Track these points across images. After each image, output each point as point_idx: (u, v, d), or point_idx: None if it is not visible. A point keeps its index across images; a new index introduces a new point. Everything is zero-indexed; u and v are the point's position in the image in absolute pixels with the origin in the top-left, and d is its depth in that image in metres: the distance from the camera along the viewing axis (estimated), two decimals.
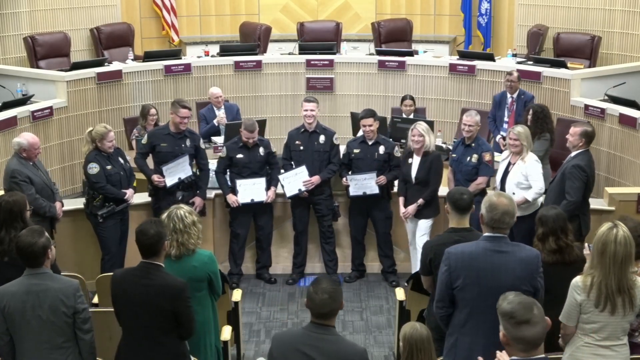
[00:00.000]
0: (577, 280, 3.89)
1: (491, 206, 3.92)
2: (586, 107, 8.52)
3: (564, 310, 3.94)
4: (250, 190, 6.87)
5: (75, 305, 3.98)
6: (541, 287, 3.95)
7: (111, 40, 11.11)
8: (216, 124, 8.65)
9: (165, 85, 9.67)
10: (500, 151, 7.68)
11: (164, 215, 4.52)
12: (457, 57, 10.26)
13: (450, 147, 7.95)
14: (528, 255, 3.95)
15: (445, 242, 4.35)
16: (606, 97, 8.59)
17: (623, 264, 3.77)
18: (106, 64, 9.60)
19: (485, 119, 8.22)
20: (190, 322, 4.10)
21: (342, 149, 7.12)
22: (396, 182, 6.98)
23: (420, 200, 6.60)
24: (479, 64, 9.68)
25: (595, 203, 6.69)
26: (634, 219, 4.59)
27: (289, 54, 10.44)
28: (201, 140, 7.09)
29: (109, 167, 6.44)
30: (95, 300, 5.36)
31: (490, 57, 9.92)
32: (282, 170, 7.04)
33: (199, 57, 10.21)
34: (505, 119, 8.38)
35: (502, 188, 6.37)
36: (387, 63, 10.03)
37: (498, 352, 3.19)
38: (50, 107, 8.67)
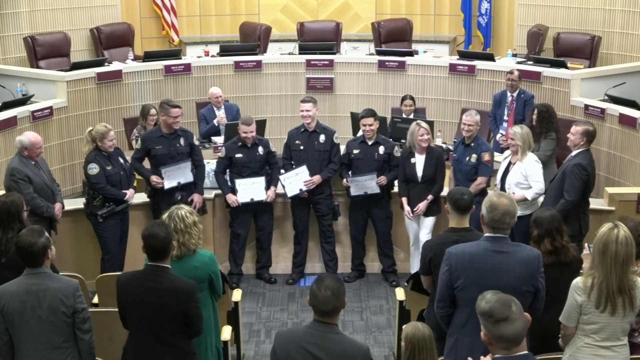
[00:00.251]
0: (578, 281, 3.89)
1: (492, 206, 3.92)
2: (586, 107, 8.52)
3: (564, 310, 3.94)
4: (250, 189, 6.87)
5: (75, 304, 3.97)
6: (542, 287, 3.95)
7: (111, 40, 11.11)
8: (216, 124, 8.65)
9: (165, 85, 9.67)
10: (501, 150, 7.69)
11: (165, 216, 4.52)
12: (457, 57, 10.26)
13: (451, 147, 7.96)
14: (529, 255, 3.94)
15: (445, 241, 4.36)
16: (606, 97, 8.59)
17: (624, 264, 3.77)
18: (106, 64, 9.59)
19: (485, 119, 8.22)
20: (199, 322, 4.12)
21: (342, 149, 7.12)
22: (396, 182, 6.98)
23: (430, 197, 6.61)
24: (479, 64, 9.68)
25: (595, 203, 6.69)
26: (634, 218, 4.59)
27: (289, 54, 10.44)
28: (194, 137, 7.08)
29: (109, 167, 6.44)
30: (95, 300, 5.36)
31: (490, 57, 9.92)
32: (283, 171, 7.04)
33: (199, 57, 10.21)
34: (505, 117, 8.39)
35: (502, 187, 6.37)
36: (387, 63, 10.03)
37: (482, 357, 3.19)
38: (50, 107, 8.67)
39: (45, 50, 10.31)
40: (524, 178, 6.29)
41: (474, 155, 6.64)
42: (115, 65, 9.58)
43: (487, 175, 6.66)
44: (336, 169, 7.02)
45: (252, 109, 9.73)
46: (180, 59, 9.99)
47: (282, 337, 3.58)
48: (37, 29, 10.50)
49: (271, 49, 11.36)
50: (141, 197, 6.99)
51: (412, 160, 6.70)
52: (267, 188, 6.93)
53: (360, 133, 7.14)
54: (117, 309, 4.20)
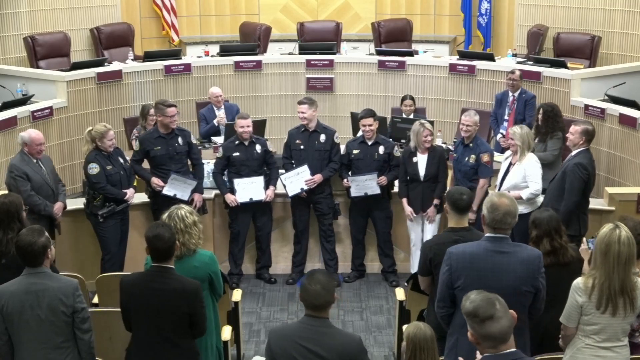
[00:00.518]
0: (579, 281, 3.89)
1: (493, 207, 3.92)
2: (586, 107, 8.52)
3: (565, 311, 3.94)
4: (249, 189, 6.86)
5: (75, 304, 3.97)
6: (543, 287, 3.95)
7: (111, 40, 11.11)
8: (216, 124, 8.65)
9: (165, 85, 9.67)
10: (501, 150, 7.70)
11: (165, 216, 4.52)
12: (457, 57, 10.26)
13: (451, 147, 7.97)
14: (529, 255, 3.94)
15: (445, 241, 4.36)
16: (606, 97, 8.59)
17: (627, 265, 3.77)
18: (106, 64, 9.59)
19: (485, 119, 8.22)
20: (204, 322, 4.14)
21: (342, 149, 7.12)
22: (397, 182, 6.98)
23: (436, 201, 6.62)
24: (479, 64, 9.68)
25: (595, 203, 6.70)
26: (634, 218, 4.59)
27: (289, 54, 10.44)
28: (192, 136, 7.08)
29: (109, 167, 6.44)
30: (95, 300, 5.36)
31: (490, 57, 9.92)
32: (283, 170, 7.04)
33: (199, 57, 10.21)
34: (506, 117, 8.39)
35: (501, 188, 6.38)
36: (387, 63, 10.03)
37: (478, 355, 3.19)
38: (50, 107, 8.66)
39: (45, 50, 10.30)
40: (522, 179, 6.29)
41: (473, 156, 6.64)
42: (115, 65, 9.58)
43: (488, 176, 6.66)
44: (337, 168, 7.02)
45: (252, 109, 9.72)
46: (180, 59, 9.99)
47: (276, 334, 3.62)
48: (37, 29, 10.50)
49: (271, 49, 11.36)
50: (141, 197, 6.98)
51: (414, 159, 6.70)
52: (266, 188, 6.93)
53: (360, 133, 7.14)
54: (117, 309, 4.20)
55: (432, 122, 7.39)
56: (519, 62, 9.69)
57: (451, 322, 4.03)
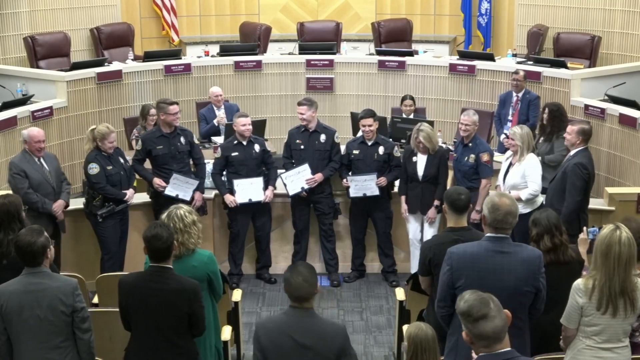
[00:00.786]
0: (579, 283, 3.88)
1: (493, 207, 3.92)
2: (586, 107, 8.52)
3: (565, 312, 3.94)
4: (248, 189, 6.86)
5: (74, 304, 3.97)
6: (543, 287, 3.95)
7: (111, 40, 11.11)
8: (216, 124, 8.65)
9: (165, 85, 9.67)
10: (504, 150, 7.69)
11: (164, 215, 4.52)
12: (457, 57, 10.26)
13: (450, 147, 7.96)
14: (530, 255, 3.94)
15: (444, 241, 4.37)
16: (606, 97, 8.59)
17: (627, 265, 3.77)
18: (106, 64, 9.60)
19: (484, 119, 8.23)
20: (203, 322, 4.14)
21: (342, 149, 7.12)
22: (396, 182, 6.98)
23: (437, 202, 6.61)
24: (479, 64, 9.68)
25: (595, 203, 6.70)
26: (637, 219, 4.58)
27: (289, 54, 10.44)
28: (194, 136, 7.10)
29: (109, 167, 6.45)
30: (95, 300, 5.36)
31: (490, 57, 9.92)
32: (283, 170, 7.04)
33: (199, 57, 10.21)
34: (509, 117, 8.38)
35: (503, 188, 6.38)
36: (387, 63, 10.03)
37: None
38: (50, 107, 8.66)
39: (45, 50, 10.30)
40: (522, 179, 6.29)
41: (472, 156, 6.65)
42: (115, 65, 9.58)
43: (489, 175, 6.66)
44: (337, 167, 7.03)
45: (252, 109, 9.73)
46: (180, 59, 9.99)
47: (264, 327, 3.68)
48: (37, 29, 10.50)
49: (271, 49, 11.36)
50: (142, 197, 6.99)
51: (414, 159, 6.70)
52: (265, 188, 6.93)
53: (360, 133, 7.14)
54: (117, 309, 4.19)
55: (432, 122, 7.41)
56: (519, 62, 9.69)
57: (451, 322, 4.03)
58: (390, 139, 7.29)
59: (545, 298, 3.99)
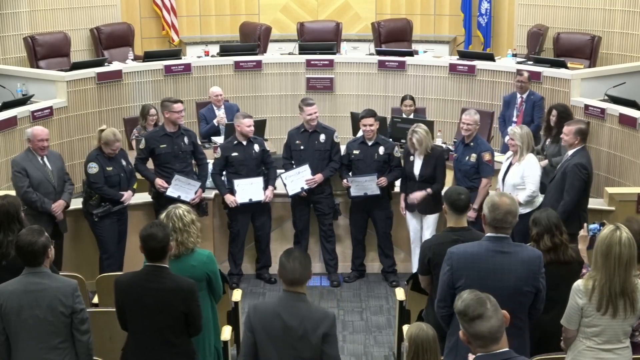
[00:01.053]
0: (579, 283, 3.88)
1: (493, 206, 3.92)
2: (586, 107, 8.52)
3: (565, 313, 3.94)
4: (248, 189, 6.86)
5: (74, 305, 3.96)
6: (543, 287, 3.95)
7: (111, 40, 11.11)
8: (216, 124, 8.65)
9: (165, 85, 9.67)
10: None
11: (163, 215, 4.52)
12: (457, 57, 10.26)
13: (451, 147, 7.97)
14: (530, 255, 3.94)
15: (444, 241, 4.37)
16: (606, 97, 8.59)
17: (627, 266, 3.76)
18: (106, 64, 9.60)
19: (485, 119, 8.24)
20: (200, 321, 4.14)
21: (342, 149, 7.12)
22: (397, 182, 6.99)
23: (429, 190, 6.60)
24: (479, 64, 9.68)
25: (595, 203, 6.70)
26: (639, 220, 4.57)
27: (289, 54, 10.44)
28: (197, 137, 7.11)
29: (109, 168, 6.45)
30: (95, 300, 5.36)
31: (490, 57, 9.92)
32: (283, 170, 7.04)
33: (199, 57, 10.21)
34: (514, 118, 8.37)
35: (502, 188, 6.38)
36: (387, 63, 10.03)
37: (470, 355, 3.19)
38: (50, 107, 8.67)
39: (45, 50, 10.31)
40: (521, 179, 6.29)
41: (474, 155, 6.65)
42: (115, 65, 9.58)
43: (490, 175, 6.66)
44: (337, 167, 7.03)
45: (252, 109, 9.73)
46: (180, 59, 10.00)
47: (256, 309, 3.81)
48: (37, 29, 10.50)
49: (271, 49, 11.36)
50: (142, 197, 6.99)
51: (411, 158, 6.72)
52: (265, 188, 6.93)
53: (360, 133, 7.14)
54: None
55: (432, 122, 7.41)
56: (519, 62, 9.69)
57: (451, 322, 4.03)
58: (390, 139, 7.29)
59: (545, 298, 3.99)
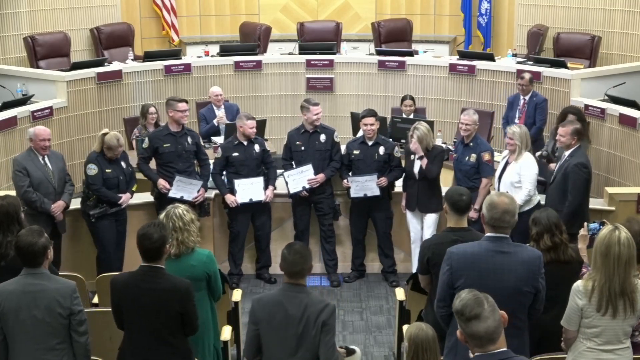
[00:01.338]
0: (579, 284, 3.88)
1: (491, 205, 3.93)
2: (586, 107, 8.51)
3: (565, 314, 3.93)
4: (249, 189, 6.87)
5: (72, 306, 3.97)
6: (542, 288, 3.94)
7: (111, 40, 11.11)
8: (216, 124, 8.65)
9: (165, 85, 9.67)
10: None
11: (162, 215, 4.53)
12: (457, 57, 10.26)
13: (451, 147, 7.97)
14: (530, 256, 3.94)
15: (443, 241, 4.37)
16: (606, 97, 8.59)
17: (627, 266, 3.76)
18: (106, 64, 9.60)
19: (484, 119, 8.24)
20: (196, 321, 4.14)
21: (342, 149, 7.12)
22: (397, 182, 6.99)
23: (425, 160, 6.57)
24: (479, 64, 9.68)
25: (595, 203, 6.70)
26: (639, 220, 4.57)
27: (289, 54, 10.44)
28: (200, 138, 7.16)
29: (108, 170, 6.45)
30: (96, 300, 5.36)
31: (490, 57, 9.92)
32: (282, 170, 7.05)
33: (199, 57, 10.21)
34: (516, 120, 8.35)
35: (499, 187, 6.39)
36: (387, 63, 10.03)
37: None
38: (50, 107, 8.67)
39: (45, 50, 10.31)
40: (518, 177, 6.30)
41: (473, 155, 6.65)
42: (115, 65, 9.58)
43: (490, 175, 6.66)
44: (338, 167, 7.03)
45: (252, 109, 9.72)
46: (180, 59, 10.00)
47: (259, 301, 4.01)
48: (37, 29, 10.50)
49: (271, 49, 11.36)
50: (143, 198, 6.99)
51: (412, 157, 6.73)
52: (265, 188, 6.93)
53: (360, 133, 7.14)
54: None
55: (432, 122, 7.41)
56: (519, 62, 9.69)
57: (451, 322, 4.03)
58: (390, 139, 7.29)
59: (544, 298, 3.99)
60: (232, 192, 6.86)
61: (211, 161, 7.12)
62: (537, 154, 7.35)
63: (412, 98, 8.75)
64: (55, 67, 9.85)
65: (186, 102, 6.97)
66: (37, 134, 6.28)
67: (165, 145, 6.82)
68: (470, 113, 6.77)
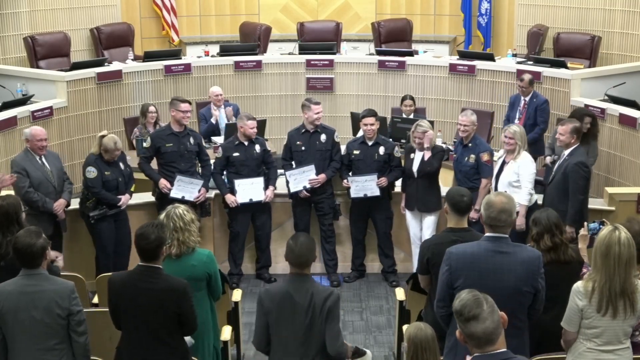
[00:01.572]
0: (579, 285, 3.88)
1: (488, 204, 3.93)
2: (586, 107, 8.50)
3: (565, 315, 3.93)
4: (249, 189, 6.87)
5: (70, 307, 3.97)
6: (542, 288, 3.94)
7: (111, 40, 11.11)
8: (214, 122, 8.65)
9: (165, 85, 9.67)
10: None
11: (162, 216, 4.53)
12: (457, 57, 10.26)
13: (451, 147, 7.97)
14: (529, 256, 3.94)
15: (443, 241, 4.37)
16: (606, 97, 8.60)
17: (627, 266, 3.76)
18: (106, 64, 9.60)
19: (483, 119, 8.24)
20: (194, 320, 4.13)
21: (342, 149, 7.12)
22: (397, 182, 6.99)
23: (429, 153, 6.59)
24: (479, 64, 9.68)
25: (595, 203, 6.70)
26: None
27: (289, 54, 10.44)
28: (202, 139, 7.18)
29: (107, 172, 6.45)
30: (96, 300, 5.36)
31: (490, 57, 9.92)
32: (281, 170, 7.05)
33: (199, 57, 10.21)
34: (516, 120, 8.35)
35: (496, 187, 6.39)
36: (387, 63, 10.04)
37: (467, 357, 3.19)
38: (50, 107, 8.67)
39: (45, 50, 10.31)
40: (517, 176, 6.30)
41: (472, 156, 6.66)
42: (115, 65, 9.58)
43: (489, 175, 6.66)
44: (338, 167, 7.03)
45: (252, 109, 9.72)
46: (180, 59, 10.00)
47: (267, 292, 4.14)
48: (37, 29, 10.50)
49: (271, 49, 11.36)
50: (144, 198, 6.99)
51: (412, 155, 6.74)
52: (266, 188, 6.93)
53: (360, 133, 7.14)
54: None
55: (432, 122, 7.40)
56: (519, 62, 9.69)
57: (450, 321, 4.03)
58: (390, 139, 7.29)
59: (544, 299, 3.98)
60: (232, 192, 6.87)
61: (212, 161, 7.13)
62: (548, 159, 7.34)
63: (412, 98, 8.75)
64: (55, 67, 9.86)
65: (189, 103, 6.98)
66: (35, 135, 6.28)
67: (167, 145, 6.83)
68: (468, 114, 6.77)
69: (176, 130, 6.87)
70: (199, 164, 7.06)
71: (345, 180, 6.98)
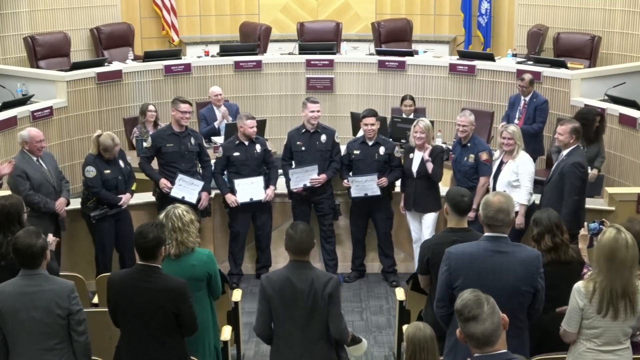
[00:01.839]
0: (579, 285, 3.88)
1: (486, 204, 3.94)
2: (586, 107, 8.51)
3: (566, 316, 3.93)
4: (249, 189, 6.87)
5: (70, 307, 3.96)
6: (541, 288, 3.94)
7: (111, 40, 11.11)
8: (216, 126, 8.65)
9: (165, 85, 9.67)
10: None
11: (162, 215, 4.53)
12: (457, 57, 10.26)
13: (450, 147, 7.96)
14: (529, 255, 3.94)
15: (443, 241, 4.37)
16: (606, 97, 8.59)
17: (631, 268, 3.76)
18: (106, 64, 9.60)
19: (481, 119, 8.24)
20: (193, 320, 4.13)
21: (342, 149, 7.12)
22: (397, 182, 6.99)
23: (431, 165, 6.58)
24: (479, 64, 9.68)
25: (595, 203, 6.70)
26: None
27: (289, 54, 10.44)
28: (203, 139, 7.18)
29: (107, 171, 6.44)
30: (96, 300, 5.36)
31: (490, 57, 9.92)
32: (280, 171, 7.05)
33: (199, 57, 10.21)
34: (516, 120, 8.35)
35: (494, 187, 6.39)
36: (387, 63, 10.04)
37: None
38: (50, 107, 8.67)
39: (45, 50, 10.31)
40: (516, 176, 6.30)
41: (471, 156, 6.66)
42: (115, 65, 9.58)
43: (488, 174, 6.66)
44: (338, 167, 7.03)
45: (252, 109, 9.72)
46: (180, 59, 10.00)
47: (268, 279, 4.21)
48: (37, 29, 10.50)
49: (271, 49, 11.36)
50: (144, 197, 6.99)
51: (411, 155, 6.74)
52: (266, 187, 6.93)
53: (360, 133, 7.14)
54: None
55: (432, 122, 7.41)
56: (519, 62, 9.69)
57: (450, 321, 4.03)
58: (390, 139, 7.30)
59: (543, 299, 3.98)
60: (233, 191, 6.87)
61: (212, 161, 7.13)
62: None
63: (412, 98, 8.75)
64: (55, 67, 9.86)
65: (189, 104, 6.96)
66: (33, 136, 6.26)
67: (168, 145, 6.82)
68: (466, 114, 6.78)
69: (177, 130, 6.87)
70: (200, 165, 7.06)
71: (345, 181, 6.98)
